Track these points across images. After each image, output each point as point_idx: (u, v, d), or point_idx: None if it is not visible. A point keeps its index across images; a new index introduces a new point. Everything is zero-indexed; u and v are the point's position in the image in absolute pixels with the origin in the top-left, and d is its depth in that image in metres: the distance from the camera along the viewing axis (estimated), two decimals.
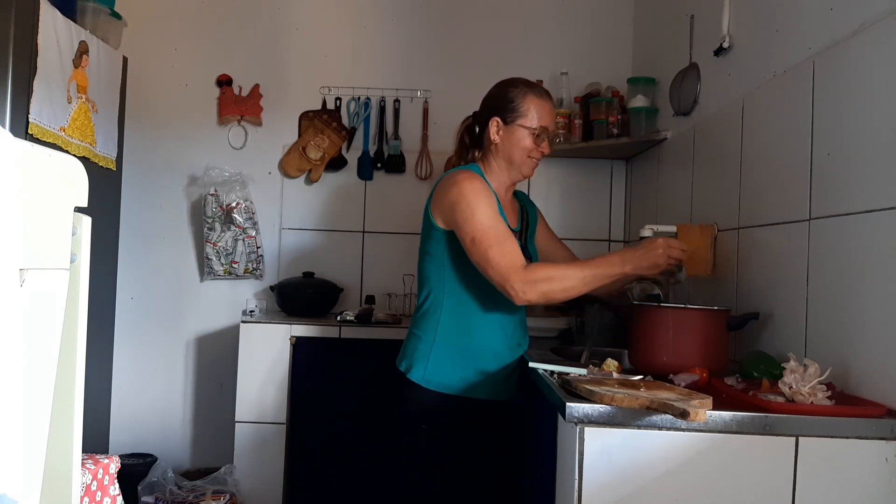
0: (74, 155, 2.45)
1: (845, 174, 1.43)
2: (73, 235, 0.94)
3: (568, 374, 1.51)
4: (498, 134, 1.88)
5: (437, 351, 1.84)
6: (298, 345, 2.74)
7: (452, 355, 1.84)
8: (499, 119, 1.87)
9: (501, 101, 1.88)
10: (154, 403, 3.16)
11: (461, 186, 1.78)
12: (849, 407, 1.25)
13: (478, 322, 1.85)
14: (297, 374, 2.73)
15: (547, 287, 1.67)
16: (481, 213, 1.74)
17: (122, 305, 3.14)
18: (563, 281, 1.68)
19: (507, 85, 1.91)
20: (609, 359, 1.59)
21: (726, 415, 1.23)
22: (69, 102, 2.51)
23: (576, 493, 1.24)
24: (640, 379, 1.48)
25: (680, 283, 1.92)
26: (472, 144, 1.96)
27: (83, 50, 2.58)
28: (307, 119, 3.19)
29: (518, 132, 1.86)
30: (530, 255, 1.95)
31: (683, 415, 1.15)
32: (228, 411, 2.80)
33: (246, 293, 3.17)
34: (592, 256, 2.15)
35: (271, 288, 3.06)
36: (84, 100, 2.61)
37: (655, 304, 1.91)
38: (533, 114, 1.86)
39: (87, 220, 0.98)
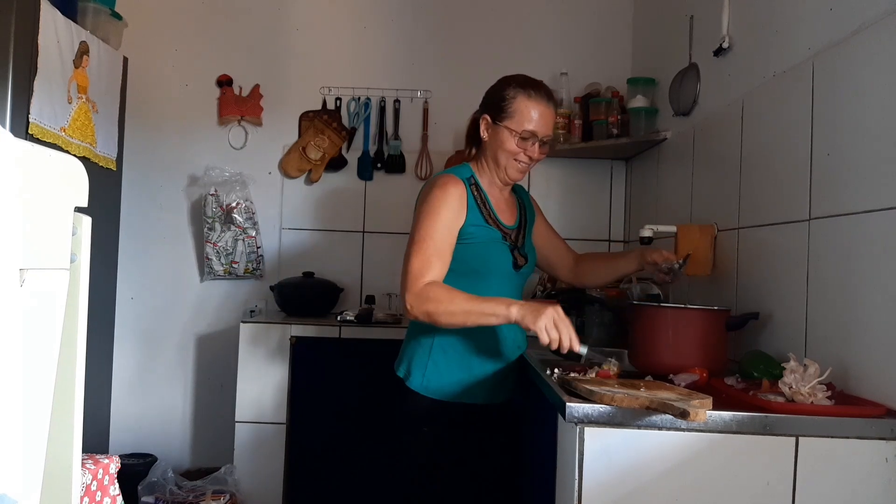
0: (75, 155, 2.45)
1: (845, 174, 1.43)
2: (73, 235, 0.94)
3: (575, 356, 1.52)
4: (486, 132, 1.86)
5: (434, 357, 1.83)
6: (298, 345, 2.74)
7: (450, 360, 1.83)
8: (488, 117, 1.85)
9: (495, 98, 1.85)
10: (154, 403, 3.17)
11: (434, 192, 1.78)
12: (849, 407, 1.26)
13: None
14: (297, 374, 2.73)
15: (433, 307, 1.64)
16: (433, 221, 1.73)
17: (122, 305, 3.14)
18: (448, 305, 1.64)
19: (504, 82, 1.87)
20: (609, 359, 1.59)
21: (726, 415, 1.23)
22: (69, 102, 2.51)
23: (575, 493, 1.24)
24: (641, 379, 1.48)
25: (677, 279, 1.92)
26: (473, 140, 1.94)
27: (83, 50, 2.58)
28: (307, 119, 3.19)
29: (502, 133, 1.81)
30: (526, 254, 1.94)
31: (683, 415, 1.15)
32: (228, 411, 2.80)
33: (246, 293, 3.17)
34: (599, 251, 2.17)
35: (271, 288, 3.06)
36: (84, 100, 2.61)
37: (655, 304, 1.91)
38: (520, 116, 1.80)
39: (87, 221, 0.98)
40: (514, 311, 1.60)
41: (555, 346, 1.56)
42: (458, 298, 1.64)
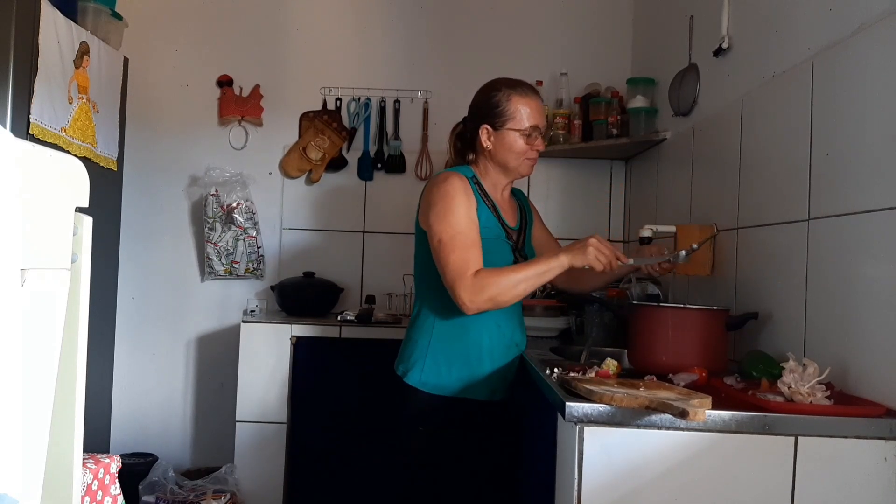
0: (75, 155, 2.45)
1: (844, 174, 1.44)
2: (74, 235, 0.94)
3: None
4: (489, 140, 1.87)
5: (432, 354, 1.84)
6: (299, 344, 2.74)
7: (449, 357, 1.84)
8: (488, 126, 1.86)
9: (487, 107, 1.87)
10: (155, 403, 3.17)
11: (441, 188, 1.80)
12: (848, 406, 1.26)
13: (473, 323, 1.85)
14: (297, 373, 2.73)
15: (494, 291, 1.66)
16: (454, 216, 1.75)
17: (122, 305, 3.14)
18: (506, 282, 1.67)
19: (490, 90, 1.89)
20: (609, 359, 1.59)
21: (725, 414, 1.23)
22: (70, 103, 2.51)
23: (575, 493, 1.24)
24: (640, 379, 1.48)
25: (676, 263, 1.88)
26: (466, 149, 1.96)
27: (84, 50, 2.59)
28: (308, 119, 3.19)
29: (509, 136, 1.85)
30: (526, 255, 1.94)
31: (683, 414, 1.15)
32: (229, 411, 2.80)
33: (246, 293, 3.17)
34: None
35: (272, 288, 3.06)
36: (85, 100, 2.62)
37: (655, 303, 1.91)
38: (521, 115, 1.84)
39: (88, 221, 0.98)
40: (563, 258, 1.69)
41: (608, 268, 1.70)
42: (510, 273, 1.69)
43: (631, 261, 1.78)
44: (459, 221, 1.75)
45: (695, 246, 1.85)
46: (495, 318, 1.87)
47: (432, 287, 1.89)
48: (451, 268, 1.70)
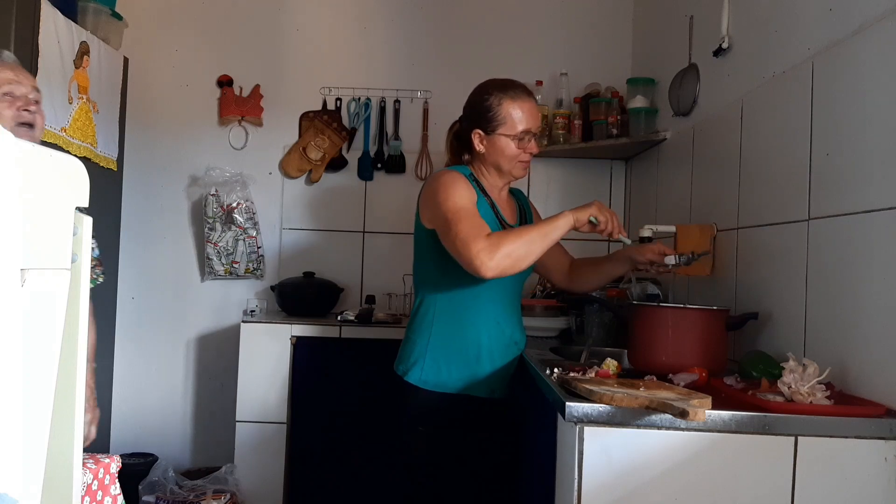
0: (75, 155, 2.45)
1: (844, 174, 1.44)
2: (74, 235, 0.94)
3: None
4: (482, 144, 1.87)
5: (432, 352, 1.85)
6: (299, 345, 2.74)
7: (448, 355, 1.84)
8: (480, 131, 1.86)
9: (479, 111, 1.86)
10: (155, 403, 3.17)
11: (440, 180, 1.81)
12: (848, 406, 1.26)
13: (472, 320, 1.85)
14: (297, 373, 2.73)
15: (510, 248, 1.63)
16: (454, 197, 1.75)
17: (122, 305, 3.14)
18: (519, 240, 1.66)
19: (482, 93, 1.88)
20: (609, 359, 1.59)
21: (725, 414, 1.23)
22: (70, 103, 2.51)
23: (575, 493, 1.24)
24: (640, 378, 1.48)
25: (675, 265, 1.88)
26: (462, 149, 1.96)
27: (84, 50, 2.59)
28: (308, 119, 3.19)
29: (500, 141, 1.84)
30: None
31: (683, 414, 1.15)
32: (229, 411, 2.80)
33: (246, 293, 3.17)
34: (591, 256, 2.18)
35: (272, 288, 3.06)
36: (85, 100, 2.62)
37: (655, 303, 1.91)
38: (512, 120, 1.83)
39: (88, 221, 0.98)
40: (568, 213, 1.73)
41: (606, 226, 1.75)
42: (521, 233, 1.70)
43: (629, 241, 1.85)
44: (463, 200, 1.75)
45: (689, 256, 1.88)
46: (495, 317, 1.88)
47: (431, 285, 1.89)
48: (462, 235, 1.66)
